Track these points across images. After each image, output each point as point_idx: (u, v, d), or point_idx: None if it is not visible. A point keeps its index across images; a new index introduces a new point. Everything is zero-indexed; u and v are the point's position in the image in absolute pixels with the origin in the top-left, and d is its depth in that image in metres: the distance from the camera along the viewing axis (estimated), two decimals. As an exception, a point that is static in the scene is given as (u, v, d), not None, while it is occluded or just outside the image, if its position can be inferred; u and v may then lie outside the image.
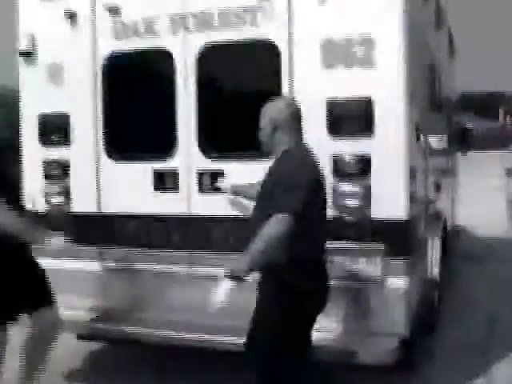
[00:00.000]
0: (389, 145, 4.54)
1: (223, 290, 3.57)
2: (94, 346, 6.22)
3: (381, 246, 4.58)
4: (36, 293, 4.56)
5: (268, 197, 3.75)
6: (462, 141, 10.15)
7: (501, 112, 64.35)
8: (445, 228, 7.38)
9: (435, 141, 6.52)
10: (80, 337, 5.77)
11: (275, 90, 4.75)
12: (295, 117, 3.94)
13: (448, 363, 5.64)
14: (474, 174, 18.94)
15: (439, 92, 7.16)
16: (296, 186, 3.62)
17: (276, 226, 3.55)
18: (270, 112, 3.94)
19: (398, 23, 4.52)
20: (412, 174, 4.75)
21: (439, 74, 7.13)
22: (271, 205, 3.65)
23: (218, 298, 3.58)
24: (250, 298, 3.94)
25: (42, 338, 4.62)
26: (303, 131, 4.04)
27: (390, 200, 4.56)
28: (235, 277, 3.56)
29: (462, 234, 11.03)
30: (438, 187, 6.74)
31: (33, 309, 4.53)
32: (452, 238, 8.89)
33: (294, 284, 3.73)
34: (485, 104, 57.56)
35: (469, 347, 6.00)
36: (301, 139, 4.00)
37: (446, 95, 8.31)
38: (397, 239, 4.58)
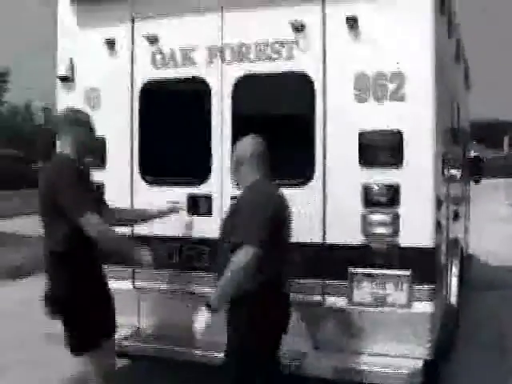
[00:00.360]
0: (417, 175, 4.75)
1: (201, 321, 3.92)
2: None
3: (408, 272, 4.77)
4: (111, 320, 4.60)
5: (234, 229, 4.08)
6: (475, 169, 10.36)
7: (505, 141, 64.69)
8: (462, 255, 7.58)
9: (454, 170, 6.73)
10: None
11: (309, 121, 4.98)
12: (258, 155, 4.26)
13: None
14: (481, 203, 19.11)
15: (457, 123, 7.39)
16: (260, 220, 3.94)
17: (244, 258, 3.85)
18: (237, 149, 4.34)
19: (428, 60, 4.75)
20: (438, 203, 4.95)
21: (458, 106, 7.36)
22: (239, 237, 3.96)
23: (197, 328, 3.95)
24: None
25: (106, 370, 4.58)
26: (267, 168, 4.30)
27: (417, 228, 4.76)
28: (210, 308, 3.90)
29: (473, 261, 11.19)
30: (455, 215, 6.93)
31: (106, 337, 4.54)
32: (466, 265, 9.07)
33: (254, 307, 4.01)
34: (488, 133, 57.74)
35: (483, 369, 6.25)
36: (264, 175, 4.28)
37: (462, 126, 8.53)
38: (423, 266, 4.77)
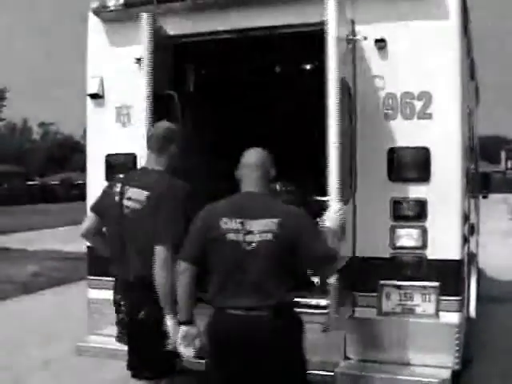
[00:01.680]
0: (445, 190, 4.91)
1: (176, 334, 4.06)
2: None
3: (436, 284, 4.92)
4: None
5: None
6: (483, 185, 10.55)
7: (502, 156, 65.24)
8: (478, 269, 7.75)
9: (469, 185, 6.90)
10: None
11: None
12: (250, 167, 4.09)
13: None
14: (482, 218, 19.31)
15: (472, 139, 7.57)
16: (189, 231, 4.04)
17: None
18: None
19: (455, 79, 4.95)
20: (464, 218, 5.12)
21: (472, 122, 7.56)
22: None
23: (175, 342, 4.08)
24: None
25: None
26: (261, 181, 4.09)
27: (445, 241, 4.92)
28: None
29: (483, 275, 11.38)
30: (472, 230, 7.10)
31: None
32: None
33: None
34: (485, 148, 58.33)
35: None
36: (260, 187, 4.08)
37: (475, 142, 8.73)
38: (450, 278, 4.94)
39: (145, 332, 4.25)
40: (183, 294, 3.96)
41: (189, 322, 4.00)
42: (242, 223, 3.85)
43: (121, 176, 4.66)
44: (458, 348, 4.98)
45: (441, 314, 4.95)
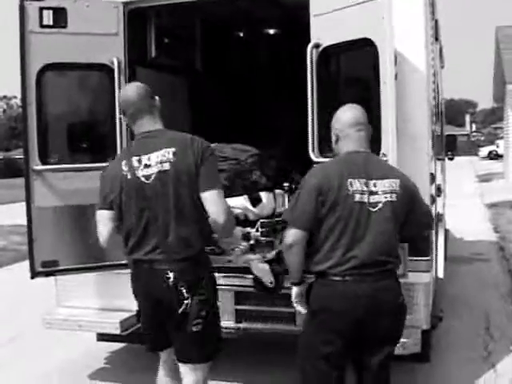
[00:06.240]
0: (413, 150, 4.86)
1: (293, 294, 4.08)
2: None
3: (404, 245, 4.90)
4: None
5: None
6: (449, 147, 10.59)
7: (467, 119, 65.89)
8: (445, 230, 7.81)
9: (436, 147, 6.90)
10: (100, 338, 6.05)
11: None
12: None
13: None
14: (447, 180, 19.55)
15: (437, 101, 7.56)
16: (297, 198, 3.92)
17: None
18: None
19: (421, 39, 4.89)
20: (431, 178, 5.12)
21: (437, 84, 7.53)
22: None
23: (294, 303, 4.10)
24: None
25: None
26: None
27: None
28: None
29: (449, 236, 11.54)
30: (439, 191, 7.11)
31: None
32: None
33: None
34: (449, 111, 58.89)
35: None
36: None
37: (441, 104, 8.73)
38: (418, 238, 4.93)
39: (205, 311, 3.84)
40: (299, 260, 3.83)
41: (301, 282, 3.98)
42: (365, 183, 3.71)
43: (118, 155, 4.28)
44: (426, 308, 5.00)
45: (410, 274, 4.93)
